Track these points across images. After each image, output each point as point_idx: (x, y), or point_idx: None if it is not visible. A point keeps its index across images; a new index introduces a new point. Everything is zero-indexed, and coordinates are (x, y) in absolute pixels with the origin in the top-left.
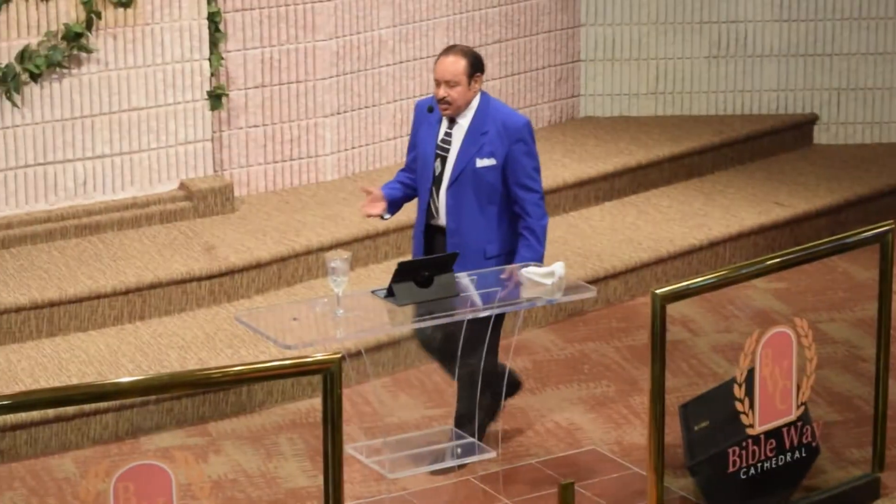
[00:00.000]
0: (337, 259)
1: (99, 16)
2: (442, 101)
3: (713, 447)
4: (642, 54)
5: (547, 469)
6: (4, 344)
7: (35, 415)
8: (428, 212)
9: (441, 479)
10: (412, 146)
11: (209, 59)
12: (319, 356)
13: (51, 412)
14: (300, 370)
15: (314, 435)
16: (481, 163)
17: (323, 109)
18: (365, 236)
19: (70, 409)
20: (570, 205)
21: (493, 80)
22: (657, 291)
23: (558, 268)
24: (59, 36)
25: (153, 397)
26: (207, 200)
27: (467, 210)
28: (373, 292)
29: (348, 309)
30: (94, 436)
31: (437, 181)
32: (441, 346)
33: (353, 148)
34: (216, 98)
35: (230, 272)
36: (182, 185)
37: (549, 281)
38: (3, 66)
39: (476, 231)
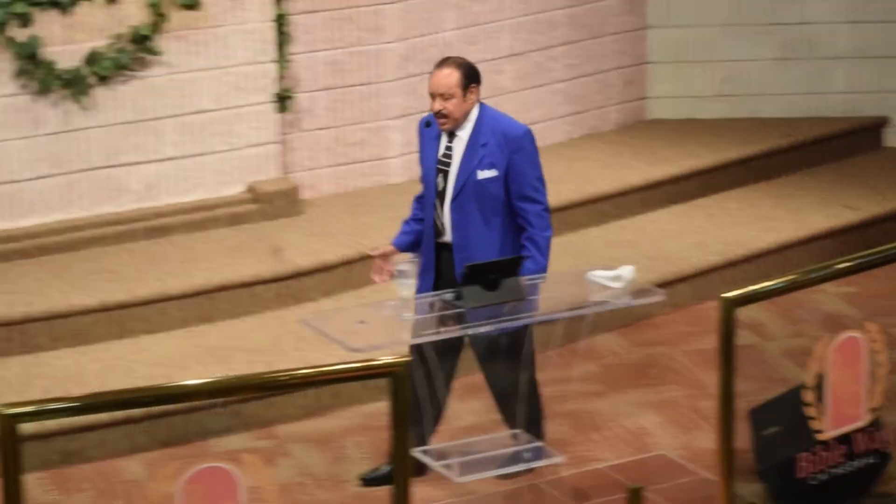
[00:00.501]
0: (404, 262)
1: (166, 18)
2: (438, 114)
3: (783, 453)
4: (710, 56)
5: (615, 474)
6: (73, 346)
7: (103, 417)
8: (434, 229)
9: (508, 483)
10: (419, 162)
11: (276, 62)
12: (387, 359)
13: (119, 414)
14: (367, 373)
15: (381, 438)
16: (483, 174)
17: (389, 112)
18: None
19: (138, 411)
20: (638, 208)
21: (560, 83)
22: (726, 295)
23: (627, 271)
24: (127, 39)
25: (221, 400)
26: (274, 203)
27: (472, 224)
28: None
29: (416, 312)
30: (163, 438)
31: (441, 196)
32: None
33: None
34: (283, 101)
35: (297, 275)
36: (249, 188)
37: (617, 284)
38: (71, 69)
39: (483, 245)
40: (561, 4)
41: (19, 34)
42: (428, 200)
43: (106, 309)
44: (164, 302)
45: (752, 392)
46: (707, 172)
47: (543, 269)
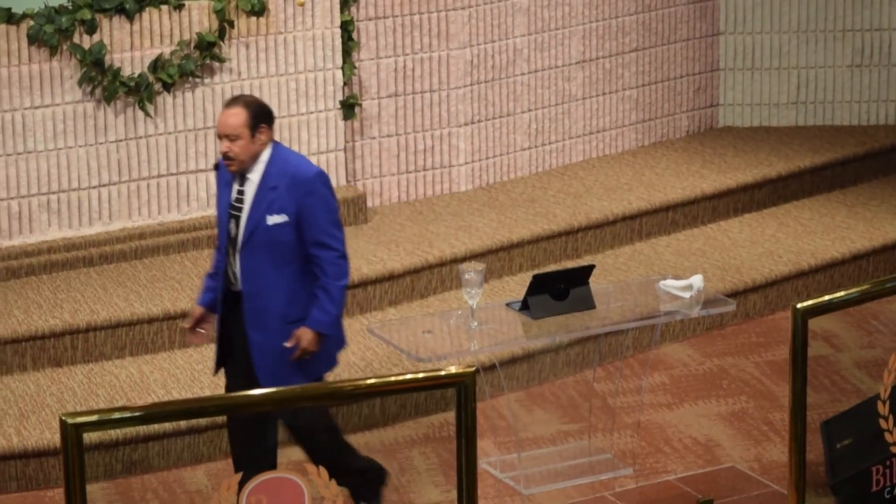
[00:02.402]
0: (471, 271)
1: (232, 25)
2: (225, 156)
3: (856, 465)
4: (783, 63)
5: (684, 486)
6: (137, 355)
7: (168, 426)
8: (226, 278)
9: (576, 495)
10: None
11: (342, 69)
12: (453, 369)
13: (183, 424)
14: (434, 383)
15: (447, 449)
16: (272, 220)
17: (456, 119)
18: (499, 248)
19: (202, 421)
20: (709, 216)
21: (630, 90)
22: (799, 305)
23: (697, 281)
24: (192, 45)
25: (287, 410)
26: (340, 211)
27: (263, 272)
28: (507, 305)
29: (482, 321)
30: (227, 448)
31: (233, 243)
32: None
33: (487, 158)
34: (349, 107)
35: (363, 283)
36: None
37: (687, 294)
38: (136, 75)
39: (274, 294)
40: (631, 10)
41: (85, 41)
42: (222, 248)
43: (169, 318)
44: None
45: (824, 404)
46: (779, 181)
47: (335, 321)
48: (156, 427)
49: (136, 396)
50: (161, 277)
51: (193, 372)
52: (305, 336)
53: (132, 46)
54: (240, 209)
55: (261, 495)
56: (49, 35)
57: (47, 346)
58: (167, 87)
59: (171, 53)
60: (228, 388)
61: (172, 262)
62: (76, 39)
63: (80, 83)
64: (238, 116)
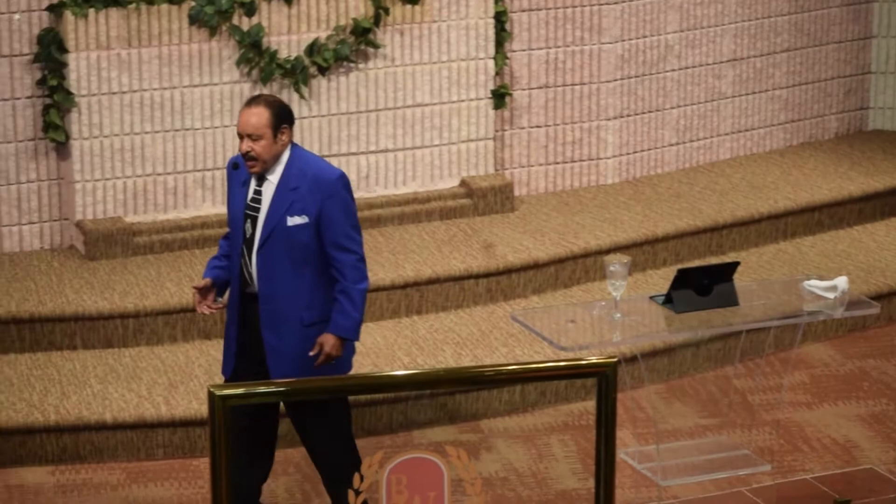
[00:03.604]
0: (616, 263)
1: (387, 12)
2: (246, 156)
3: None
4: None
5: (822, 485)
6: None
7: None
8: (241, 279)
9: (713, 489)
10: (228, 206)
11: (494, 58)
12: (595, 359)
13: None
14: (575, 372)
15: (586, 438)
16: (292, 221)
17: (606, 112)
18: (644, 241)
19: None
20: (855, 219)
21: (780, 90)
22: None
23: (841, 282)
24: (348, 30)
25: (427, 391)
26: (487, 199)
27: (280, 274)
28: (651, 298)
29: (625, 313)
30: (368, 426)
31: (249, 244)
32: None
33: (635, 152)
34: (500, 97)
35: (508, 271)
36: (463, 183)
37: (831, 295)
38: (292, 58)
39: (291, 297)
40: (785, 10)
41: (244, 23)
42: (235, 248)
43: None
44: (374, 292)
45: None
46: None
47: (357, 325)
48: None
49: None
50: None
51: None
52: (328, 341)
53: (289, 30)
54: (257, 209)
55: (401, 474)
56: (209, 16)
57: (197, 318)
58: (322, 70)
59: (327, 38)
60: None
61: None
62: (235, 21)
63: (237, 64)
64: (261, 116)
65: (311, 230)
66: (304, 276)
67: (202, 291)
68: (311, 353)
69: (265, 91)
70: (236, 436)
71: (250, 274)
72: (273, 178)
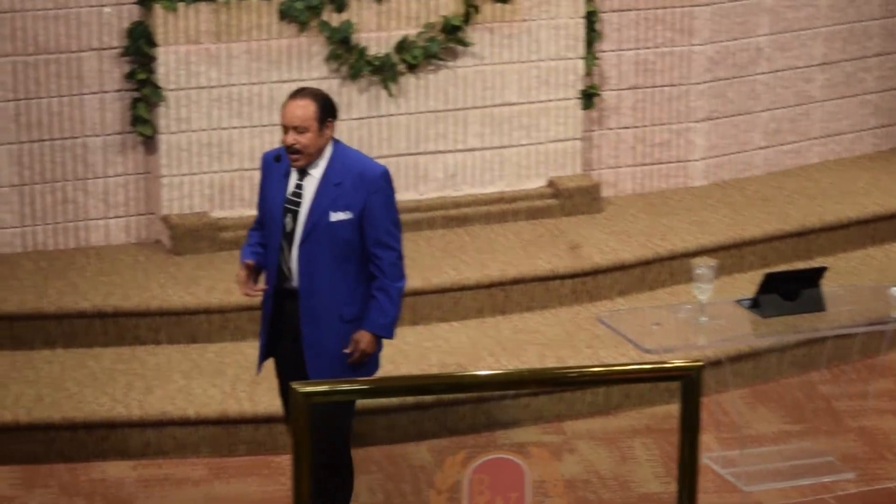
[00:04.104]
0: (703, 266)
1: (477, 10)
2: (291, 148)
3: None
4: None
5: None
6: None
7: (394, 401)
8: (279, 273)
9: (796, 495)
10: (260, 202)
11: (584, 59)
12: (680, 362)
13: (410, 399)
14: (659, 375)
15: (669, 441)
16: (336, 216)
17: (694, 114)
18: (731, 244)
19: (429, 398)
20: None
21: (871, 94)
22: None
23: None
24: (438, 28)
25: (511, 392)
26: (574, 199)
27: (322, 269)
28: (737, 302)
29: (712, 317)
30: (451, 426)
31: (288, 238)
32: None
33: (723, 155)
34: (588, 98)
35: (593, 272)
36: (550, 183)
37: None
38: (381, 55)
39: (332, 292)
40: (877, 15)
41: (334, 19)
42: (272, 242)
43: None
44: (459, 291)
45: None
46: None
47: (393, 323)
48: (383, 401)
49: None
50: None
51: (422, 349)
52: (364, 339)
53: (379, 27)
54: (297, 203)
55: (483, 474)
56: (299, 11)
57: None
58: (411, 68)
59: (417, 35)
60: (283, 387)
61: (407, 240)
62: (325, 17)
63: (326, 60)
64: (307, 108)
65: (353, 226)
66: (344, 272)
67: (245, 278)
68: (346, 350)
69: (353, 87)
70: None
71: (289, 269)
72: (315, 173)
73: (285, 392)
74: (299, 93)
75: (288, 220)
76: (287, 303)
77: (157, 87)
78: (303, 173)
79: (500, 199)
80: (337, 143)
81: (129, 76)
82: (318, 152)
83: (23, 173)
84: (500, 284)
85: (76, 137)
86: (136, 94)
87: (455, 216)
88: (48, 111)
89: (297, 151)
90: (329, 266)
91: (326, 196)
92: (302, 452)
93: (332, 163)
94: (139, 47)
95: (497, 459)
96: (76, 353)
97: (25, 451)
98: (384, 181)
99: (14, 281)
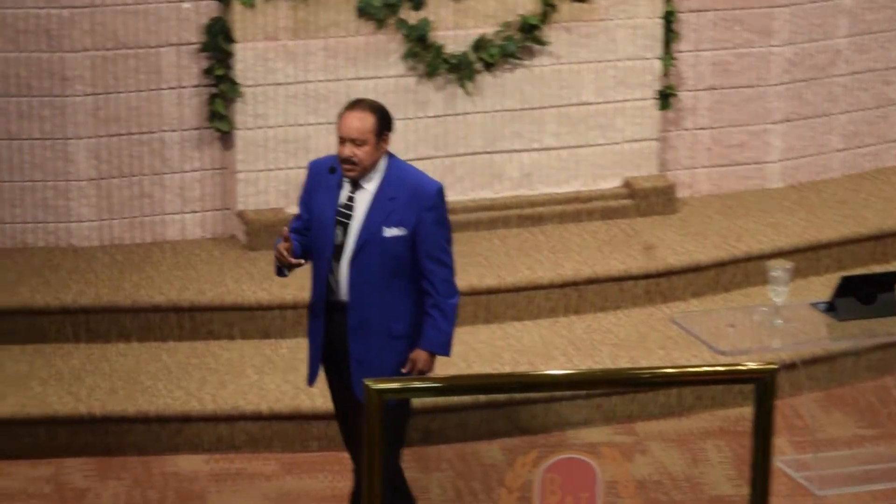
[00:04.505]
0: (779, 268)
1: (555, 9)
2: (347, 161)
3: None
4: None
5: None
6: None
7: (466, 399)
8: (327, 285)
9: (871, 500)
10: (304, 209)
11: (661, 59)
12: (754, 365)
13: (482, 398)
14: (733, 377)
15: (741, 444)
16: (389, 232)
17: (772, 116)
18: (807, 247)
19: (501, 397)
20: None
21: None
22: None
23: None
24: (515, 27)
25: (583, 392)
26: (650, 200)
27: (372, 284)
28: (812, 305)
29: (786, 320)
30: (523, 425)
31: (338, 251)
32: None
33: (801, 157)
34: (665, 98)
35: (668, 273)
36: (625, 183)
37: None
38: (458, 53)
39: (382, 308)
40: None
41: (411, 16)
42: (321, 254)
43: (475, 293)
44: (532, 290)
45: None
46: None
47: (449, 340)
48: (454, 399)
49: (438, 367)
50: (469, 253)
51: (495, 348)
52: (421, 358)
53: (456, 25)
54: (349, 216)
55: (555, 474)
56: (377, 9)
57: None
58: (488, 66)
59: (494, 34)
60: (337, 399)
61: (481, 238)
62: (402, 15)
63: (403, 58)
64: (365, 121)
65: (407, 242)
66: (395, 288)
67: (287, 246)
68: (404, 371)
69: (430, 85)
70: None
71: (337, 282)
72: (369, 187)
73: (342, 413)
74: (358, 104)
75: (338, 232)
76: (335, 315)
77: (234, 83)
78: (356, 185)
79: (575, 198)
80: (391, 156)
81: (207, 72)
82: (373, 165)
83: (100, 167)
84: (574, 284)
85: (153, 132)
86: (213, 90)
87: (530, 215)
88: (126, 106)
89: (353, 163)
90: (380, 281)
91: (381, 211)
92: (374, 448)
93: (386, 177)
94: (217, 43)
95: (569, 459)
96: (150, 346)
97: (99, 443)
98: (439, 197)
99: (90, 274)
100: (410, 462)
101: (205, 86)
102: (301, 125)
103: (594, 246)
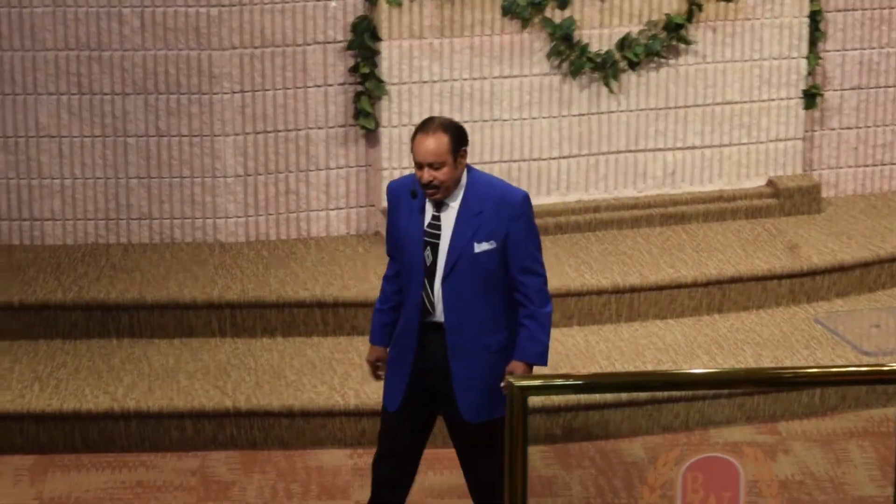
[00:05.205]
0: None
1: (700, 8)
2: (428, 186)
3: None
4: None
5: None
6: (584, 325)
7: (608, 397)
8: (422, 308)
9: None
10: (391, 234)
11: (807, 58)
12: None
13: (624, 396)
14: (877, 378)
15: (886, 445)
16: (479, 247)
17: None
18: None
19: (643, 395)
20: None
21: None
22: None
23: None
24: (660, 26)
25: (725, 391)
26: (794, 199)
27: (468, 302)
28: None
29: None
30: (665, 423)
31: (430, 272)
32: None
33: None
34: (811, 97)
35: (812, 273)
36: (770, 182)
37: None
38: (602, 52)
39: (479, 325)
40: None
41: (556, 15)
42: (413, 277)
43: (618, 291)
44: (675, 289)
45: None
46: None
47: (546, 350)
48: (597, 397)
49: (580, 365)
50: (613, 251)
51: (637, 346)
52: (518, 369)
53: (601, 24)
54: (437, 236)
55: (697, 473)
56: (522, 8)
57: None
58: (632, 65)
59: (639, 33)
60: (412, 423)
61: (625, 236)
62: (547, 13)
63: (548, 56)
64: (440, 142)
65: (497, 255)
66: (490, 303)
67: (375, 363)
68: (503, 385)
69: (574, 84)
70: (390, 443)
71: (432, 304)
72: (453, 204)
73: (414, 432)
74: (428, 125)
75: (427, 253)
76: (429, 338)
77: (380, 81)
78: (440, 205)
79: (718, 197)
80: (471, 169)
81: (353, 70)
82: (455, 184)
83: (247, 164)
84: (718, 283)
85: (300, 129)
86: (359, 88)
87: (673, 214)
88: (273, 103)
89: (435, 187)
90: (475, 298)
91: (468, 227)
92: (516, 446)
93: (469, 191)
94: (363, 41)
95: (712, 458)
96: (295, 341)
97: (244, 437)
98: (525, 206)
99: (236, 270)
100: (552, 459)
101: (350, 83)
102: None
103: (738, 245)
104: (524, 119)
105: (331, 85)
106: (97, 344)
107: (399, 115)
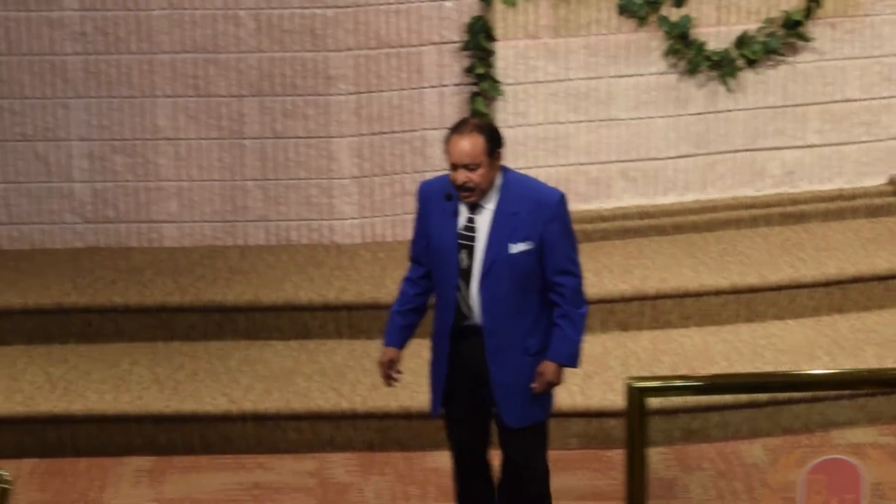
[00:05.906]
0: None
1: (819, 4)
2: (463, 188)
3: None
4: None
5: None
6: (703, 325)
7: (728, 398)
8: (457, 312)
9: None
10: (421, 236)
11: None
12: None
13: (743, 397)
14: None
15: None
16: (515, 248)
17: None
18: None
19: (763, 396)
20: None
21: None
22: None
23: None
24: (778, 23)
25: (847, 392)
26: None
27: (506, 304)
28: None
29: None
30: (785, 425)
31: (465, 275)
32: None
33: None
34: None
35: None
36: (891, 181)
37: None
38: (720, 50)
39: (517, 327)
40: None
41: (673, 13)
42: (447, 281)
43: (736, 291)
44: (795, 289)
45: None
46: None
47: (578, 351)
48: (716, 398)
49: (699, 366)
50: (731, 251)
51: (757, 347)
52: (549, 370)
53: (718, 21)
54: (472, 238)
55: (820, 475)
56: (638, 6)
57: (616, 309)
58: (750, 63)
59: (757, 30)
60: (456, 427)
61: (743, 236)
62: (664, 12)
63: (665, 55)
64: (475, 144)
65: (534, 256)
66: (527, 304)
67: (388, 365)
68: (533, 385)
69: (691, 83)
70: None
71: (469, 307)
72: (489, 206)
73: (468, 433)
74: (463, 126)
75: (463, 256)
76: (466, 341)
77: (495, 82)
78: (474, 206)
79: (838, 196)
80: (506, 170)
81: (468, 70)
82: (490, 185)
83: (363, 165)
84: (838, 283)
85: (415, 130)
86: (474, 89)
87: (792, 213)
88: (388, 104)
89: (470, 189)
90: (512, 300)
91: (504, 228)
92: (636, 447)
93: (504, 192)
94: (478, 42)
95: (834, 460)
96: (412, 343)
97: (362, 438)
98: (562, 206)
99: (352, 271)
100: (671, 461)
101: (466, 84)
102: (561, 123)
103: (858, 244)
104: (640, 118)
105: (446, 86)
106: (214, 346)
107: (514, 115)
